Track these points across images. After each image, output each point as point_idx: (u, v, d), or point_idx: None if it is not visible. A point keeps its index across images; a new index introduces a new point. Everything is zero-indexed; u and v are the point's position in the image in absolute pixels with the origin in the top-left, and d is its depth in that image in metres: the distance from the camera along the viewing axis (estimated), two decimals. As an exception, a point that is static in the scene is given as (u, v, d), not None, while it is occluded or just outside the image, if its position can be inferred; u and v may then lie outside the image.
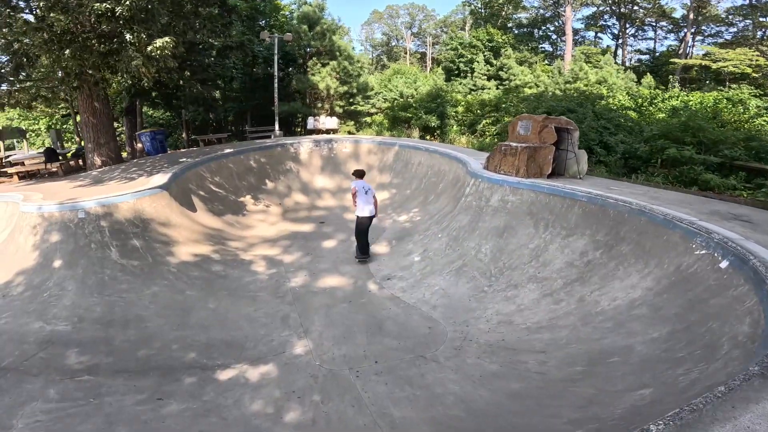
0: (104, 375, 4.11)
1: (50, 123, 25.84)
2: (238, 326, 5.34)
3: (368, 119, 23.51)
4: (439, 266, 6.74)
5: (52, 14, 7.94)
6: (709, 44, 34.94)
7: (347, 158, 12.52)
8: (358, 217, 7.24)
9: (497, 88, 28.18)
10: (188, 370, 4.35)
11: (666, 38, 40.71)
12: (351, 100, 22.78)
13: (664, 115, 15.78)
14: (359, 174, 7.58)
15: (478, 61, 29.73)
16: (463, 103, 20.70)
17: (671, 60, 33.10)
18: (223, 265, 7.05)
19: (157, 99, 17.37)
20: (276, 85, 17.67)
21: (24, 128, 24.64)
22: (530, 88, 26.90)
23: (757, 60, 27.98)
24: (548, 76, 27.96)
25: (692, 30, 35.24)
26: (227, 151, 11.67)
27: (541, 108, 15.71)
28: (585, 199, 6.00)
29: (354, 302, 6.09)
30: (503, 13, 40.60)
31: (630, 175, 10.77)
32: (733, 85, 25.30)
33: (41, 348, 4.44)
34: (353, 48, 29.32)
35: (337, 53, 21.84)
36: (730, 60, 28.21)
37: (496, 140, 14.20)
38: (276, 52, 17.47)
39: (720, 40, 35.03)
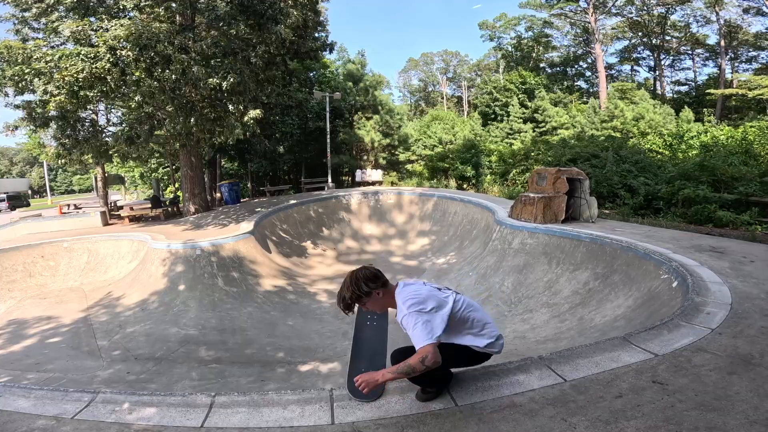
0: (225, 364, 5.92)
1: (143, 172, 29.35)
2: (310, 338, 7.04)
3: (409, 167, 25.09)
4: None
5: (185, 87, 10.17)
6: (745, 71, 33.34)
7: (391, 208, 14.43)
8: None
9: (533, 131, 28.29)
10: (279, 363, 6.07)
11: (705, 65, 38.35)
12: (393, 152, 24.48)
13: (696, 151, 15.83)
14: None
15: (512, 105, 30.13)
16: (495, 152, 22.15)
17: (708, 91, 31.62)
18: (295, 294, 8.92)
19: (233, 153, 20.53)
20: (328, 139, 19.91)
21: (122, 175, 28.93)
22: (566, 129, 26.99)
23: None
24: (584, 115, 27.62)
25: (727, 57, 33.78)
26: (291, 202, 13.99)
27: (566, 155, 16.85)
28: (588, 239, 7.31)
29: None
30: (534, 54, 41.22)
31: (652, 216, 11.60)
32: None
33: (181, 345, 6.37)
34: (393, 100, 31.11)
35: (380, 107, 23.59)
36: (766, 86, 26.73)
37: (524, 189, 15.39)
38: (327, 108, 19.79)
39: (756, 66, 33.24)
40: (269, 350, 6.45)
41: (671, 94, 38.12)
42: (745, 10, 31.34)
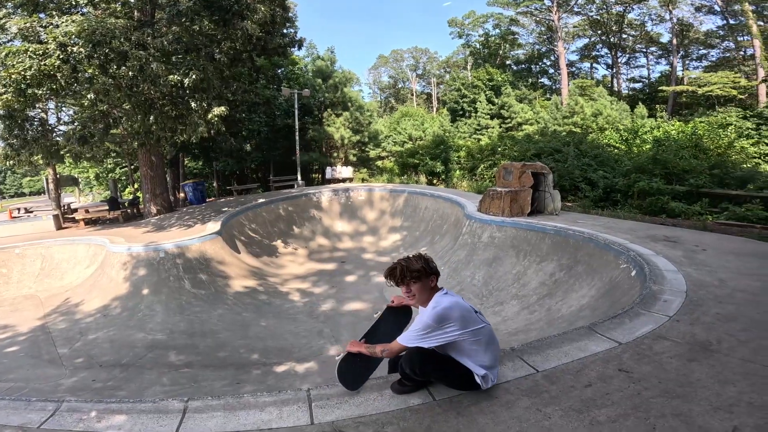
0: (197, 368, 5.75)
1: (99, 173, 28.08)
2: (285, 338, 6.95)
3: (380, 164, 25.16)
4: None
5: (143, 85, 9.72)
6: (695, 68, 35.21)
7: (362, 204, 14.41)
8: None
9: (500, 127, 29.28)
10: (254, 365, 5.96)
11: (658, 63, 40.89)
12: (363, 148, 24.44)
13: (650, 146, 16.85)
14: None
15: (480, 101, 31.07)
16: (464, 148, 22.61)
17: (660, 88, 33.28)
18: (267, 295, 8.76)
19: (196, 152, 19.84)
20: (297, 136, 19.70)
21: (76, 177, 27.30)
22: (531, 124, 28.03)
23: (739, 81, 28.25)
24: (547, 111, 28.76)
25: (679, 55, 35.60)
26: (260, 201, 13.69)
27: (531, 150, 17.45)
28: (552, 232, 7.60)
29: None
30: (501, 51, 42.50)
31: (611, 207, 12.25)
32: (721, 109, 25.80)
33: (149, 350, 6.13)
34: (363, 97, 30.96)
35: (349, 104, 23.49)
36: (714, 83, 28.30)
37: (492, 183, 15.87)
38: (296, 106, 19.62)
39: (706, 64, 35.13)
40: (243, 352, 6.32)
41: (627, 91, 39.81)
42: (698, 9, 32.95)
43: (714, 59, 35.13)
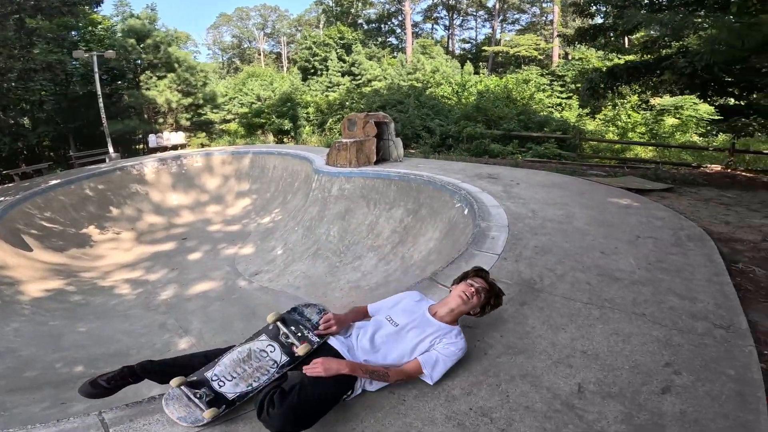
0: (1, 394, 4.28)
1: None
2: (116, 340, 5.68)
3: (225, 127, 23.10)
4: (299, 254, 7.90)
5: None
6: (510, 32, 41.82)
7: (200, 172, 12.65)
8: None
9: (351, 83, 29.90)
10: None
11: (484, 26, 47.28)
12: (199, 111, 22.11)
13: (474, 97, 19.23)
14: None
15: (331, 59, 31.12)
16: (312, 104, 21.93)
17: (483, 48, 38.69)
18: (82, 294, 7.03)
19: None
20: (101, 104, 16.21)
21: None
22: (379, 81, 29.26)
23: (540, 44, 34.61)
24: (394, 68, 30.45)
25: (499, 19, 41.75)
26: (53, 182, 10.64)
27: (377, 103, 17.91)
28: (397, 178, 7.84)
29: (227, 299, 6.85)
30: (353, 10, 42.73)
31: (446, 152, 13.52)
32: (526, 67, 31.02)
33: None
34: (196, 57, 28.56)
35: (176, 64, 21.07)
36: (522, 45, 34.28)
37: (341, 136, 15.81)
38: (96, 69, 16.03)
39: (518, 27, 42.06)
40: (60, 367, 4.96)
41: (459, 51, 45.16)
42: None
43: (524, 24, 42.14)
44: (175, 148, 18.31)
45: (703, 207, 5.91)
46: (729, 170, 9.34)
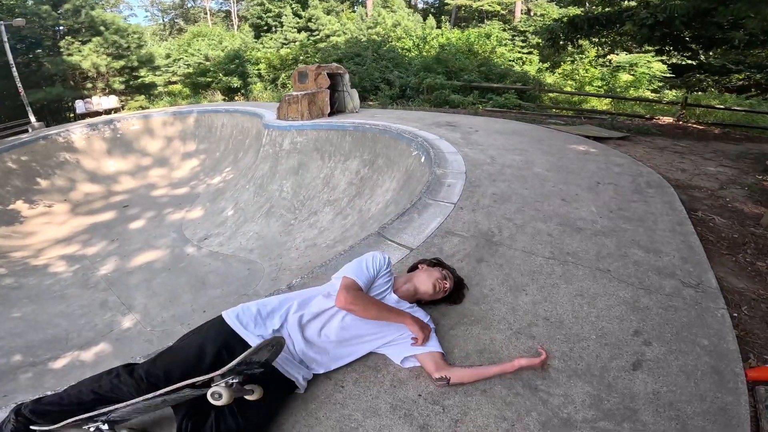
0: None
1: None
2: (54, 324, 5.16)
3: (166, 89, 21.42)
4: (251, 214, 7.42)
5: None
6: None
7: (139, 135, 11.58)
8: None
9: (308, 39, 28.47)
10: (19, 369, 4.27)
11: None
12: (135, 74, 20.52)
13: (436, 50, 18.74)
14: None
15: (286, 15, 29.52)
16: (264, 60, 20.56)
17: (446, 2, 38.14)
18: (14, 277, 6.36)
19: None
20: (15, 73, 14.72)
21: None
22: (338, 36, 27.86)
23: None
24: (354, 23, 29.20)
25: None
26: (-32, 156, 9.42)
27: (333, 56, 16.92)
28: (352, 128, 7.37)
29: (174, 269, 6.35)
30: None
31: (405, 103, 13.04)
32: (488, 22, 30.90)
33: None
34: (127, 19, 26.46)
35: (102, 27, 19.46)
36: (485, 0, 34.15)
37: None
38: (5, 39, 14.35)
39: None
40: None
41: (422, 4, 43.82)
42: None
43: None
44: (108, 112, 16.97)
45: (658, 155, 5.92)
46: (680, 122, 9.52)
